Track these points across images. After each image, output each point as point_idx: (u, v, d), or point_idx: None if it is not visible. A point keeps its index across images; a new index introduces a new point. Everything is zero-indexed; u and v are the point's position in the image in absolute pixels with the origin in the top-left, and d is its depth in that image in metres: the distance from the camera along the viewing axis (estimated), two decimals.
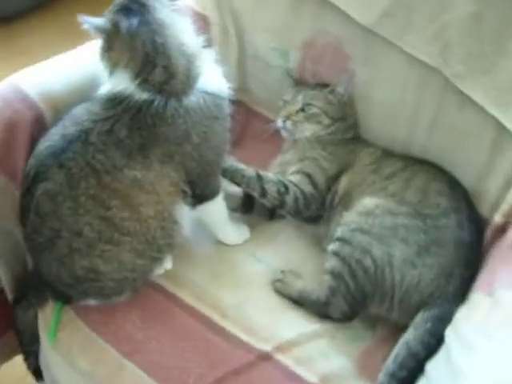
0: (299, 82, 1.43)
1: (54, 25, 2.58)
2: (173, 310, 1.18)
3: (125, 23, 1.07)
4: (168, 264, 1.22)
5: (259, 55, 1.47)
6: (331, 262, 1.18)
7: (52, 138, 1.10)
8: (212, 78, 1.16)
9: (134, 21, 1.07)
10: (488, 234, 1.19)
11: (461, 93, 1.20)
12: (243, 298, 1.19)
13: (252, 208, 1.37)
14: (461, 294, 1.11)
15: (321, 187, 1.30)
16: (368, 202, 1.20)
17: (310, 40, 1.40)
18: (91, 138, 1.06)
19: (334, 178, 1.30)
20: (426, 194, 1.20)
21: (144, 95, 1.08)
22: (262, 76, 1.50)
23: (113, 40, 1.09)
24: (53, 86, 1.26)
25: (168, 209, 1.12)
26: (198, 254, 1.27)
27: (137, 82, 1.08)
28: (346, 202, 1.26)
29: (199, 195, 1.18)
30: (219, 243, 1.29)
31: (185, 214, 1.16)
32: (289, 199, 1.27)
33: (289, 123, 1.36)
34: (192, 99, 1.11)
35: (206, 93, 1.13)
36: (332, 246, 1.19)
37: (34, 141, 1.16)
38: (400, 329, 1.13)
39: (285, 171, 1.34)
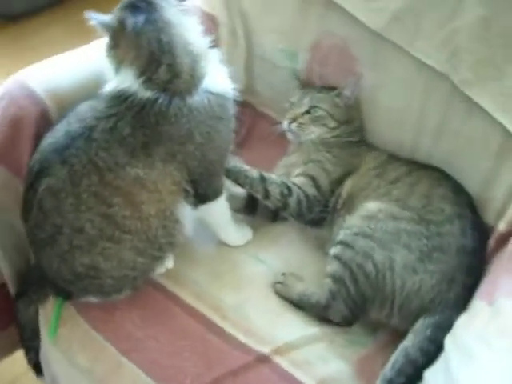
0: (306, 85, 1.43)
1: (63, 24, 2.59)
2: (173, 310, 1.17)
3: (131, 21, 1.07)
4: (169, 263, 1.22)
5: (267, 56, 1.47)
6: (332, 266, 1.17)
7: (56, 135, 1.11)
8: (217, 79, 1.16)
9: (140, 18, 1.07)
10: (492, 241, 1.18)
11: (468, 99, 1.19)
12: (243, 299, 1.19)
13: (255, 209, 1.36)
14: (462, 301, 1.10)
15: (324, 190, 1.29)
16: (371, 206, 1.19)
17: (316, 41, 1.39)
18: (94, 135, 1.07)
19: (339, 181, 1.30)
20: (430, 200, 1.19)
21: (148, 93, 1.08)
22: (269, 77, 1.49)
23: (119, 37, 1.10)
24: (59, 82, 1.27)
25: (170, 208, 1.12)
26: (200, 253, 1.27)
27: (141, 80, 1.08)
28: (350, 205, 1.25)
29: (201, 195, 1.17)
30: (221, 243, 1.29)
31: (187, 214, 1.16)
32: (292, 201, 1.27)
33: (294, 125, 1.35)
34: (196, 99, 1.10)
35: (211, 93, 1.12)
36: (334, 250, 1.18)
37: (39, 137, 1.16)
38: (400, 335, 1.12)
39: (290, 173, 1.34)
